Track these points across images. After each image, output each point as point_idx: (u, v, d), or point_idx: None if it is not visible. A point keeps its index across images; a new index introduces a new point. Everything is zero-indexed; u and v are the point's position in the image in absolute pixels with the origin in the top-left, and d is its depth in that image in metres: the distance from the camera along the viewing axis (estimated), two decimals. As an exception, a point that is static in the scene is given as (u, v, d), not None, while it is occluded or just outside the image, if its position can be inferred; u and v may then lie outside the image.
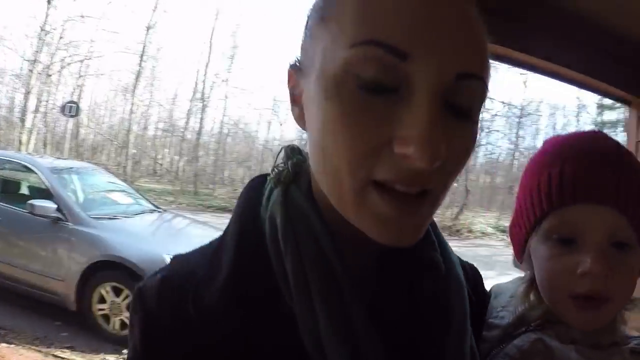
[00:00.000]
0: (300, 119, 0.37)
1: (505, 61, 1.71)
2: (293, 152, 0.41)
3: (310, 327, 0.33)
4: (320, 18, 0.33)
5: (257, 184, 0.41)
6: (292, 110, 0.38)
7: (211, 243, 0.40)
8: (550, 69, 1.75)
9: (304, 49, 0.36)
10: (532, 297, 0.50)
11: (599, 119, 14.75)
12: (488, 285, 0.54)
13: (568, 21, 1.64)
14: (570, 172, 0.45)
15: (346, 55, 0.29)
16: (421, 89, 0.28)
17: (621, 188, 0.44)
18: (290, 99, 0.37)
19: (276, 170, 0.39)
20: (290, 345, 0.33)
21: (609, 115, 12.62)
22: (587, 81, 1.83)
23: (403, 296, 0.38)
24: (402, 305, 0.37)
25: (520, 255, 0.54)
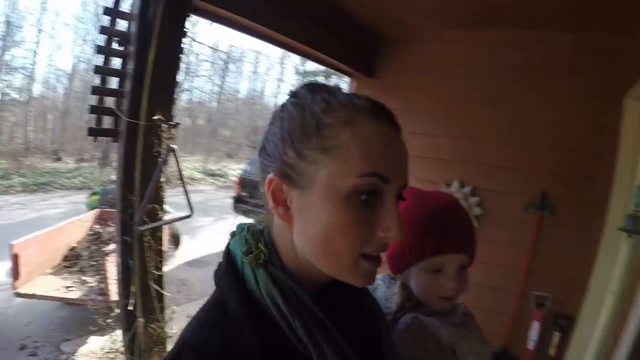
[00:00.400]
0: (285, 217, 0.50)
1: (229, 25, 1.73)
2: (259, 234, 0.54)
3: None
4: (321, 149, 0.47)
5: (231, 259, 0.54)
6: (276, 209, 0.50)
7: (217, 316, 0.49)
8: (276, 38, 1.94)
9: (295, 166, 0.48)
10: (404, 293, 0.84)
11: (301, 68, 17.94)
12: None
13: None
14: (442, 238, 0.78)
15: (355, 182, 0.46)
16: (391, 196, 0.48)
17: (468, 241, 0.81)
18: (273, 200, 0.50)
19: (250, 251, 0.52)
20: None
21: (310, 66, 15.69)
22: (312, 53, 2.19)
23: (351, 311, 0.58)
24: (353, 318, 0.58)
25: (397, 273, 0.86)
